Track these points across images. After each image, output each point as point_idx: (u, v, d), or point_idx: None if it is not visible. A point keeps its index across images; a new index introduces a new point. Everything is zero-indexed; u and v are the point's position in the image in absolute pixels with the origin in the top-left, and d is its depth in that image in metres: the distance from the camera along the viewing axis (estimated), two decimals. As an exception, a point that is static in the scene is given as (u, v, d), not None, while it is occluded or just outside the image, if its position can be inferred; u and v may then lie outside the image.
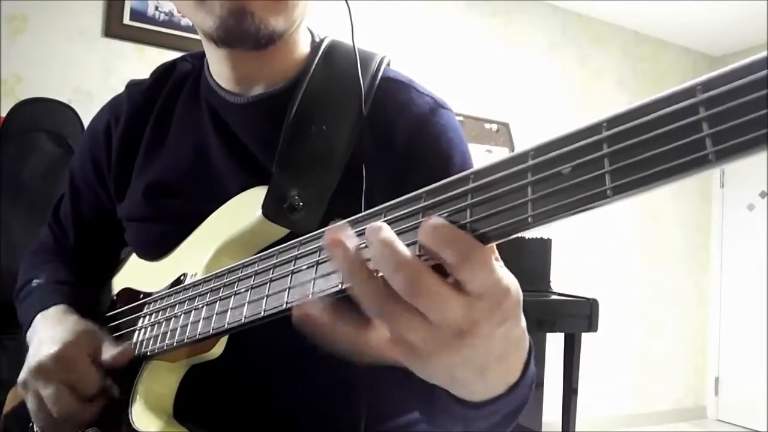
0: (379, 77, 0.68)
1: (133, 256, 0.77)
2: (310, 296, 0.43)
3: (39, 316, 0.71)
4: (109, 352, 0.64)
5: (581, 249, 3.35)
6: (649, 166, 0.29)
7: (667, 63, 3.82)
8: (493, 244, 0.36)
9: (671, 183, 0.29)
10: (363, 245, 0.36)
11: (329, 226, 0.39)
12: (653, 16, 3.44)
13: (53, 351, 0.62)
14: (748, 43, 3.70)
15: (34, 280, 0.78)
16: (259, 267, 0.51)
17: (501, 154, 2.96)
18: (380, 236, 0.35)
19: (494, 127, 3.03)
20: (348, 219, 0.42)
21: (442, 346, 0.36)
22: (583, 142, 0.32)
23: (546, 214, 0.32)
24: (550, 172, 0.33)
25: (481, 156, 2.71)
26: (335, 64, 0.69)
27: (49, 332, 0.66)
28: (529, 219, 0.33)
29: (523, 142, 3.04)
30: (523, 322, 0.41)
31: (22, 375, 0.64)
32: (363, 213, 0.42)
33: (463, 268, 0.34)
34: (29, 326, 0.72)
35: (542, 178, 0.33)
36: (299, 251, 0.47)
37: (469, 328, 0.35)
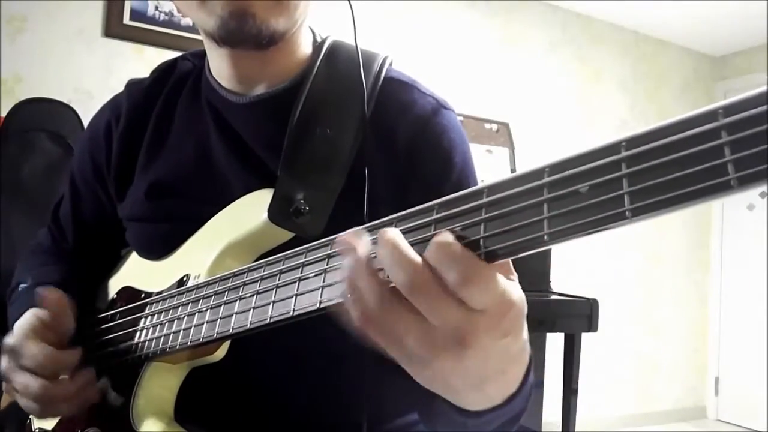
0: (381, 78, 0.68)
1: (133, 255, 0.77)
2: (318, 305, 0.42)
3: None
4: (47, 319, 0.63)
5: (581, 249, 3.35)
6: (669, 189, 0.28)
7: (667, 63, 3.81)
8: (508, 260, 0.35)
9: (692, 206, 0.28)
10: (374, 255, 0.36)
11: (347, 231, 0.39)
12: (653, 16, 3.43)
13: (5, 344, 0.62)
14: (748, 43, 3.70)
15: (21, 285, 0.77)
16: (265, 272, 0.51)
17: (501, 153, 2.96)
18: (387, 236, 0.35)
19: (494, 127, 3.03)
20: (357, 228, 0.42)
21: (440, 350, 0.35)
22: (601, 162, 0.31)
23: (562, 233, 0.32)
24: (567, 191, 0.32)
25: (481, 156, 2.70)
26: (338, 64, 0.68)
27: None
28: (545, 237, 0.32)
29: (523, 142, 3.04)
30: (525, 334, 0.40)
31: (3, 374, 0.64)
32: (373, 222, 0.41)
33: (463, 287, 0.34)
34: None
35: (559, 196, 0.32)
36: (306, 258, 0.47)
37: (468, 336, 0.35)
